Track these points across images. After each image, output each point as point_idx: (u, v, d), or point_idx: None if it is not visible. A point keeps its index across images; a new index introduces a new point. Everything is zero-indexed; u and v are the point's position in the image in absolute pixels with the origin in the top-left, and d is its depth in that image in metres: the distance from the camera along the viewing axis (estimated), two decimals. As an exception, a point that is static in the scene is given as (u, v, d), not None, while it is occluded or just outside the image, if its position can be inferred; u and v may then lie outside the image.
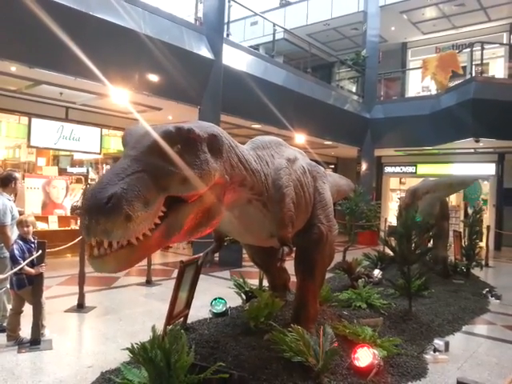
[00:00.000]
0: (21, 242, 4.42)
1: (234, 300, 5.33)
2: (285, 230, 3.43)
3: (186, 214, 2.33)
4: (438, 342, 4.66)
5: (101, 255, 2.04)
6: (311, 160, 4.55)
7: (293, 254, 4.22)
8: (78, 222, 8.00)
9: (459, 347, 4.90)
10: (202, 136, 2.47)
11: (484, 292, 7.38)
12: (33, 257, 4.38)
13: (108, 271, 2.13)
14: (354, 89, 16.98)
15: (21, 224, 4.48)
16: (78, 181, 11.20)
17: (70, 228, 9.08)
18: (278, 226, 3.42)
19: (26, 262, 4.27)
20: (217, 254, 9.44)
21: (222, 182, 2.63)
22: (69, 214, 9.63)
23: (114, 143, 11.68)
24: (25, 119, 10.07)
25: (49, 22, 6.13)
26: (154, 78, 8.07)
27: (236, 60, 10.21)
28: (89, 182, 11.14)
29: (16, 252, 4.30)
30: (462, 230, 10.51)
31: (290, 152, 3.98)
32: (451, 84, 13.08)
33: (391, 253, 6.19)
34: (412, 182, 12.79)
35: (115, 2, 7.39)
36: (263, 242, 3.81)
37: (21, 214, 5.07)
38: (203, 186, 2.37)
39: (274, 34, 13.38)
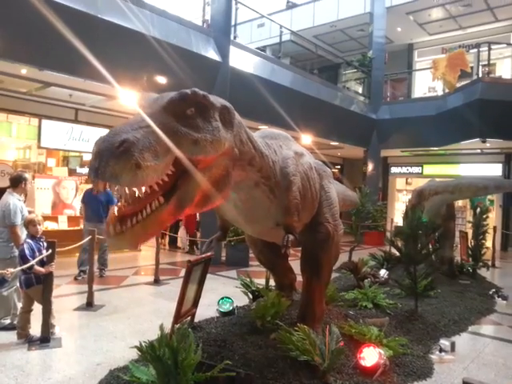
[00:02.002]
0: (31, 241, 4.48)
1: (241, 299, 5.36)
2: (290, 217, 3.40)
3: (197, 185, 2.35)
4: (444, 342, 4.65)
5: (117, 233, 2.08)
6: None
7: (299, 254, 4.28)
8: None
9: (465, 347, 4.89)
10: (215, 104, 2.52)
11: (490, 292, 7.37)
12: (42, 255, 4.43)
13: (126, 247, 2.20)
14: (360, 90, 16.95)
15: (31, 223, 4.53)
16: (88, 181, 11.28)
17: (79, 228, 9.16)
18: (284, 214, 3.39)
19: (35, 260, 4.32)
20: (224, 254, 9.54)
21: (232, 154, 2.65)
22: (78, 214, 9.71)
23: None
24: (35, 121, 10.16)
25: (58, 24, 6.19)
26: (161, 79, 8.12)
27: (243, 62, 10.25)
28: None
29: (26, 251, 4.35)
30: (469, 230, 10.45)
31: (297, 147, 3.99)
32: (458, 84, 13.04)
33: (397, 253, 6.19)
34: (418, 183, 12.74)
35: (124, 5, 7.46)
36: (268, 231, 3.74)
37: (30, 213, 5.13)
38: (213, 152, 2.39)
39: (280, 36, 13.42)
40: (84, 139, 10.64)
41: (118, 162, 1.92)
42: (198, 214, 10.74)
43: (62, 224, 9.43)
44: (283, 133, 4.01)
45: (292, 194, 3.39)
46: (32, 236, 4.56)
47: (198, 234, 10.68)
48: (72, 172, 11.47)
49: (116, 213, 2.16)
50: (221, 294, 5.51)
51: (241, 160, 2.80)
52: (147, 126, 2.12)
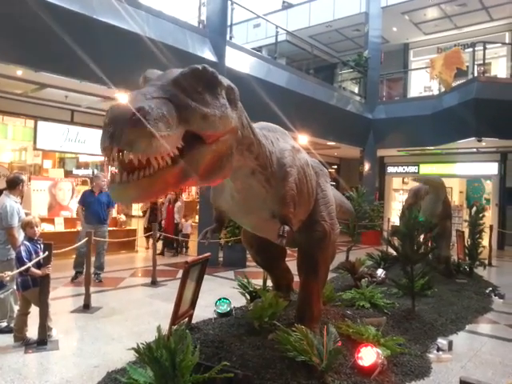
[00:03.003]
0: (28, 244, 4.46)
1: (239, 300, 5.34)
2: (286, 208, 3.36)
3: (204, 156, 2.36)
4: (442, 341, 4.66)
5: (123, 182, 2.08)
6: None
7: (295, 254, 4.27)
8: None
9: (463, 346, 4.91)
10: (223, 83, 2.55)
11: (487, 291, 7.40)
12: (39, 258, 4.42)
13: (127, 200, 2.19)
14: (356, 90, 16.97)
15: (29, 225, 4.51)
16: (84, 183, 11.27)
17: (76, 230, 9.14)
18: (280, 204, 3.36)
19: (31, 262, 4.31)
20: (221, 254, 9.54)
21: (236, 134, 2.67)
22: (75, 215, 9.69)
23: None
24: (31, 122, 10.14)
25: (54, 26, 6.18)
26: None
27: (239, 62, 10.26)
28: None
29: (23, 254, 4.33)
30: (465, 229, 10.48)
31: (294, 143, 3.98)
32: (454, 84, 13.08)
33: (394, 252, 6.20)
34: (415, 182, 12.77)
35: (119, 6, 7.45)
36: (264, 224, 3.69)
37: (27, 215, 5.12)
38: (221, 128, 2.41)
39: (276, 36, 13.45)
40: (80, 140, 10.63)
41: (134, 129, 1.92)
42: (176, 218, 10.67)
43: (59, 226, 9.40)
44: (281, 128, 4.00)
45: (288, 185, 3.36)
46: (29, 238, 4.54)
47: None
48: (68, 173, 11.47)
49: (124, 163, 2.14)
50: (218, 294, 5.50)
51: (241, 144, 2.81)
52: (160, 97, 2.12)
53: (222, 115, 2.40)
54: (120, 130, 1.94)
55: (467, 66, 13.06)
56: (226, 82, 2.61)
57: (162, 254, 10.49)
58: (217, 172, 2.54)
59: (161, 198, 10.85)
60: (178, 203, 10.91)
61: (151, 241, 11.27)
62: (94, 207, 7.41)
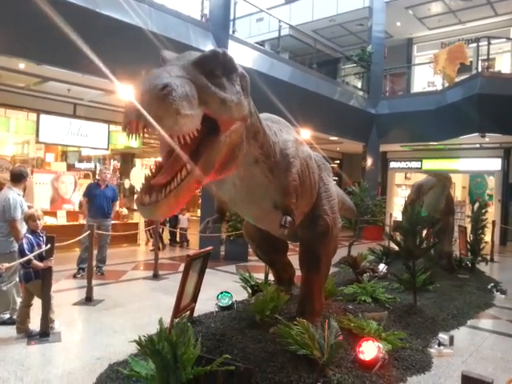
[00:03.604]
0: (30, 236, 4.48)
1: (240, 294, 5.36)
2: (288, 198, 3.34)
3: (219, 150, 2.36)
4: (443, 336, 4.66)
5: (152, 202, 2.09)
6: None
7: (297, 248, 4.26)
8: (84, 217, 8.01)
9: (464, 341, 4.91)
10: (238, 70, 2.56)
11: (489, 287, 7.39)
12: (41, 250, 4.43)
13: (159, 217, 2.24)
14: (359, 84, 16.88)
15: (32, 218, 4.52)
16: (86, 176, 11.29)
17: (78, 223, 9.16)
18: (282, 194, 3.34)
19: (32, 254, 4.32)
20: (223, 248, 9.56)
21: (246, 121, 2.66)
22: (77, 208, 9.71)
23: (122, 139, 11.74)
24: (33, 115, 10.14)
25: (56, 19, 6.16)
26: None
27: (242, 56, 10.20)
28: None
29: (25, 246, 4.35)
30: (468, 224, 10.47)
31: (297, 135, 3.96)
32: (458, 79, 13.02)
33: (396, 247, 6.19)
34: (417, 178, 12.75)
35: (122, 0, 7.42)
36: (266, 216, 3.66)
37: (29, 208, 5.13)
38: (237, 114, 2.42)
39: (279, 31, 13.39)
40: (82, 134, 10.63)
41: (162, 105, 1.91)
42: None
43: (61, 219, 9.43)
44: (284, 120, 3.99)
45: (291, 176, 3.34)
46: (32, 231, 4.55)
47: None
48: (70, 167, 11.49)
49: (146, 182, 2.16)
50: (220, 288, 5.50)
51: (248, 131, 2.80)
52: (183, 76, 2.12)
53: (238, 101, 2.41)
54: (148, 106, 1.91)
55: (471, 62, 12.99)
56: (240, 69, 2.62)
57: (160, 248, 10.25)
58: (231, 163, 2.55)
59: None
60: None
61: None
62: (99, 201, 7.40)
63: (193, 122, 2.06)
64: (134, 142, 10.26)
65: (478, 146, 14.98)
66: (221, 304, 5.05)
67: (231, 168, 2.61)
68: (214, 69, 2.31)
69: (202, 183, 2.37)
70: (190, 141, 2.14)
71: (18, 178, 5.06)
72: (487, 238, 9.84)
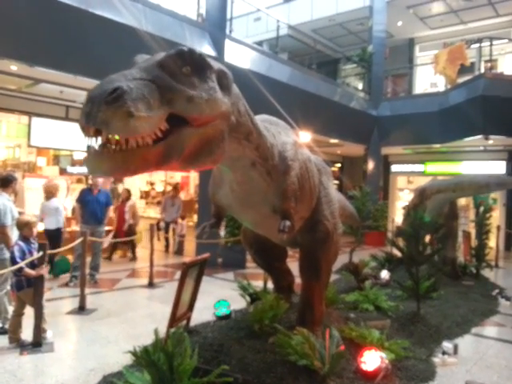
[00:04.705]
0: (21, 243, 4.42)
1: (238, 302, 5.29)
2: (287, 202, 3.30)
3: (188, 138, 2.31)
4: (447, 345, 4.62)
5: (97, 153, 2.04)
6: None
7: (297, 255, 4.17)
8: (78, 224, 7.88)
9: (468, 350, 4.86)
10: (213, 66, 2.51)
11: (494, 293, 7.33)
12: (33, 258, 4.36)
13: (99, 172, 2.11)
14: (360, 86, 16.83)
15: (27, 225, 4.47)
16: (79, 181, 11.16)
17: (70, 229, 9.01)
18: (281, 198, 3.29)
19: (24, 262, 4.25)
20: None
21: (228, 120, 2.60)
22: (69, 214, 9.55)
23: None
24: (25, 118, 9.98)
25: (48, 19, 6.09)
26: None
27: (239, 57, 10.13)
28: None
29: (16, 253, 4.29)
30: (472, 229, 10.35)
31: (296, 138, 3.90)
32: (460, 80, 12.93)
33: (399, 253, 6.10)
34: (420, 181, 12.61)
35: (115, -1, 7.35)
36: (264, 220, 3.62)
37: (21, 214, 5.05)
38: (208, 111, 2.36)
39: (277, 30, 13.27)
40: (75, 137, 10.48)
41: (110, 108, 1.91)
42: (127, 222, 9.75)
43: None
44: (283, 122, 3.93)
45: (290, 179, 3.29)
46: (24, 238, 4.49)
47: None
48: (63, 171, 11.34)
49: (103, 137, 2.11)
50: (217, 296, 5.44)
51: (237, 132, 2.74)
52: (141, 78, 2.11)
53: (209, 98, 2.34)
54: (96, 109, 1.92)
55: (473, 63, 12.92)
56: (217, 65, 2.57)
57: (109, 258, 9.57)
58: (204, 157, 2.47)
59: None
60: (130, 202, 9.99)
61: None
62: (91, 206, 7.33)
63: (150, 123, 2.04)
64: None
65: (481, 148, 14.86)
66: (218, 313, 4.98)
67: (206, 162, 2.53)
68: (181, 67, 2.27)
69: (163, 164, 2.28)
70: (161, 132, 2.13)
71: (5, 182, 5.02)
72: (492, 243, 9.73)
